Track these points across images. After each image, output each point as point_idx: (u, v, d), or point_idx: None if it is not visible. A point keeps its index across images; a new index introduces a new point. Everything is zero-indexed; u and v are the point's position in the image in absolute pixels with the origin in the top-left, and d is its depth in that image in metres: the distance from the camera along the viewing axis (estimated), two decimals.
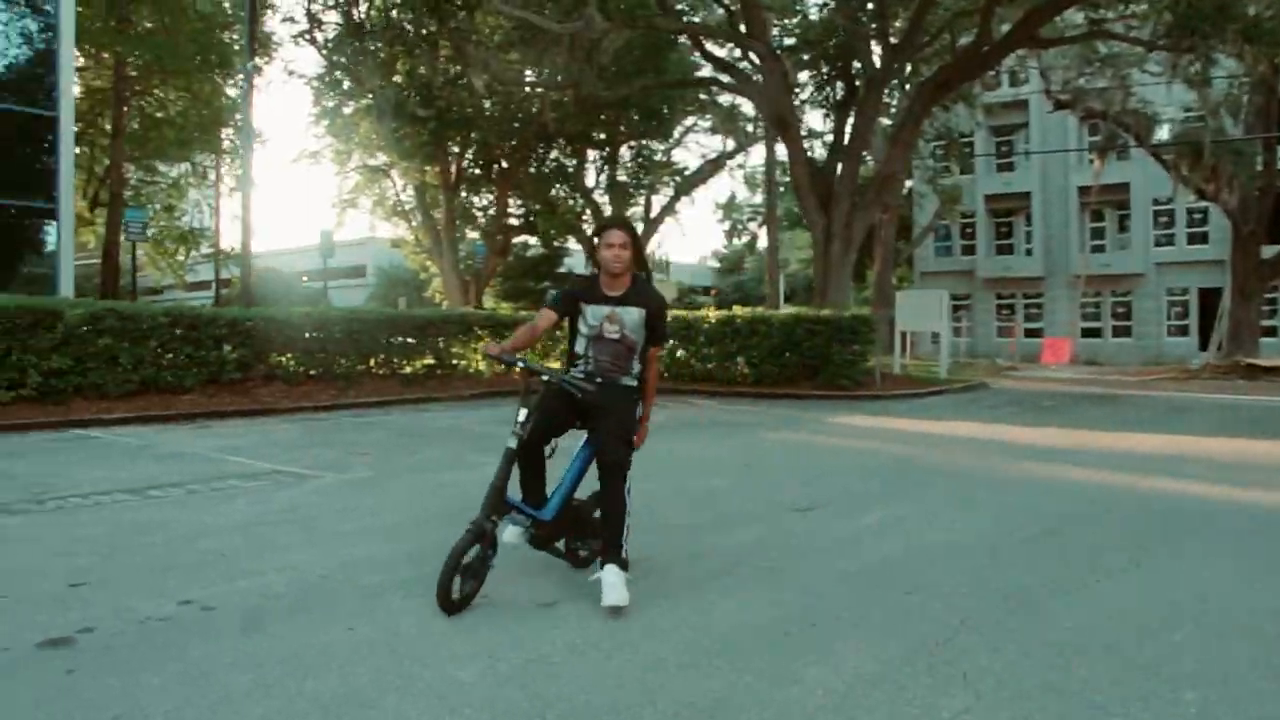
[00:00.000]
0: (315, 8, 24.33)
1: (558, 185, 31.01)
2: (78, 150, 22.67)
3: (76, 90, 22.13)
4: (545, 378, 4.18)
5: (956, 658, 3.45)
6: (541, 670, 3.30)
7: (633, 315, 4.28)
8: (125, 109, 24.88)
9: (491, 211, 31.69)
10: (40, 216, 18.21)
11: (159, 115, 26.34)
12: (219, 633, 3.65)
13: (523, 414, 4.03)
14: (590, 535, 4.48)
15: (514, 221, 32.11)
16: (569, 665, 3.35)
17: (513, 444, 4.02)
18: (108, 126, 25.39)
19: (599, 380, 4.25)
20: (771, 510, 6.26)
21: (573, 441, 4.34)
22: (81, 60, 23.74)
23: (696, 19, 24.28)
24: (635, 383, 4.36)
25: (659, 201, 32.65)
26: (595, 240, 4.35)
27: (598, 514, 4.31)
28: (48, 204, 18.00)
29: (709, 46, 23.04)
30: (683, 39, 24.48)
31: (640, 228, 31.60)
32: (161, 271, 34.91)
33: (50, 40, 19.77)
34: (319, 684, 3.15)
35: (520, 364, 4.13)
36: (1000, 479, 7.71)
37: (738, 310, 18.10)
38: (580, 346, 4.34)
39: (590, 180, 31.65)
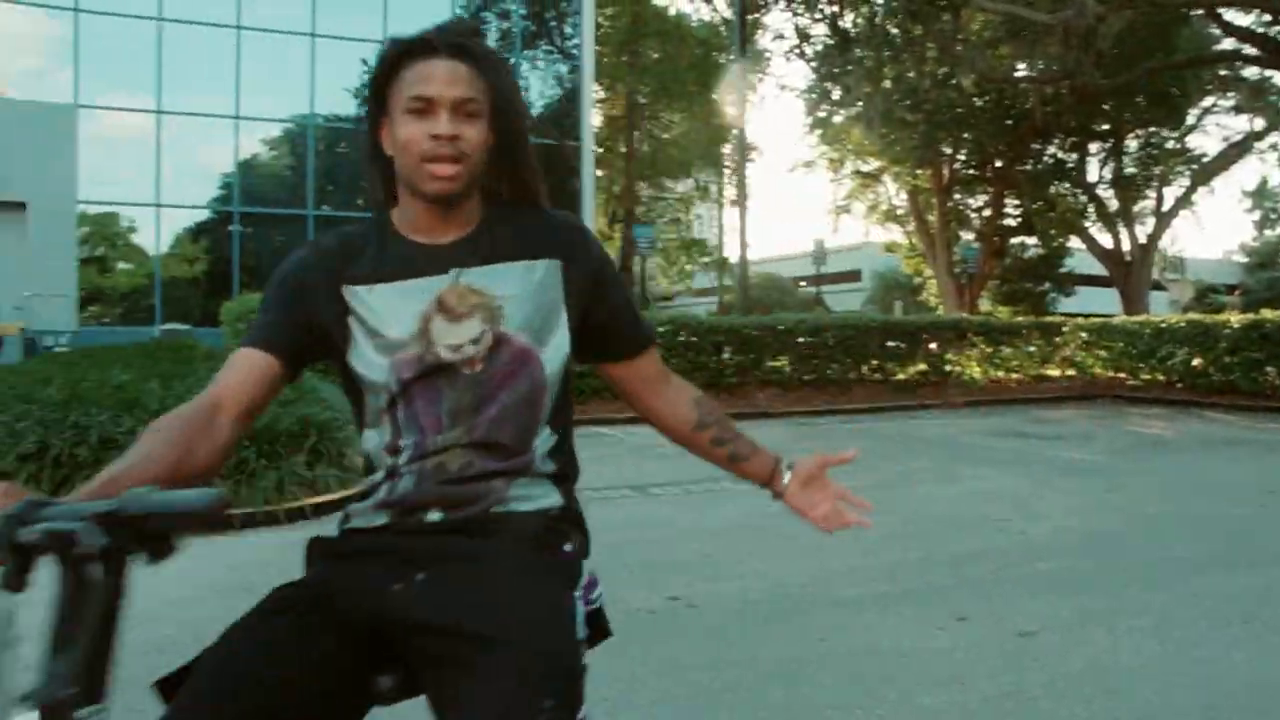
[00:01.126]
0: (802, 23, 25.30)
1: (1056, 182, 28.84)
2: (598, 173, 26.13)
3: (596, 120, 25.56)
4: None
5: None
6: (1017, 702, 3.05)
7: (522, 280, 1.44)
8: (636, 134, 28.17)
9: (986, 213, 30.40)
10: None
11: (665, 137, 29.45)
12: (698, 631, 3.86)
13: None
14: None
15: (1010, 222, 30.49)
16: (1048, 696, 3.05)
17: None
18: (622, 149, 28.94)
19: (440, 518, 1.40)
20: None
21: None
22: (600, 93, 27.30)
23: None
24: (552, 493, 1.45)
25: (1172, 193, 28.94)
26: (379, 93, 1.41)
27: None
28: None
29: (1228, 16, 19.89)
30: (1196, 12, 21.42)
31: (1150, 223, 28.23)
32: (670, 280, 38.74)
33: (575, 79, 23.17)
34: (789, 694, 3.18)
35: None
36: None
37: (1266, 314, 15.34)
38: (377, 429, 1.45)
39: (1092, 175, 29.00)
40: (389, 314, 1.39)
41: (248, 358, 1.37)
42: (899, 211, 31.45)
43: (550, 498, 1.44)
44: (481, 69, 1.36)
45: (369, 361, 1.39)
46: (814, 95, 27.80)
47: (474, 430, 1.38)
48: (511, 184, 1.47)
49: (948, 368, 16.76)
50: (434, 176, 1.35)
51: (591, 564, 1.52)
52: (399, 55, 1.37)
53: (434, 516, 1.38)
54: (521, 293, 1.42)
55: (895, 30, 22.49)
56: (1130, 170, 28.38)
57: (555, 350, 1.43)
